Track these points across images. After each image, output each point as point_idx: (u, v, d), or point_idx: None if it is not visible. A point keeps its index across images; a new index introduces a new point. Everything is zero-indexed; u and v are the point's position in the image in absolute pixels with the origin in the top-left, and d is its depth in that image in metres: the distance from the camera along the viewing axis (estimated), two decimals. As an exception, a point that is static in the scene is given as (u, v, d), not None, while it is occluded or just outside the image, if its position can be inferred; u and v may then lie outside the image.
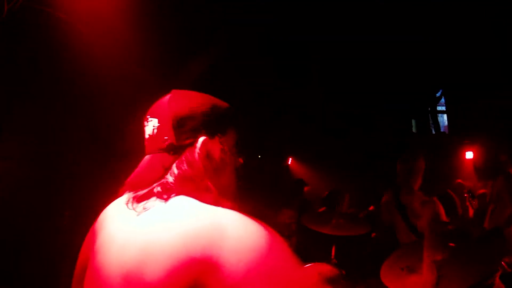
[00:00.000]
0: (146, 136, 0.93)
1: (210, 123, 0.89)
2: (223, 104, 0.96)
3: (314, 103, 7.10)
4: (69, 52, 2.88)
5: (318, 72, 6.40)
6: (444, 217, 2.83)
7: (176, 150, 0.86)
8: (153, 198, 0.84)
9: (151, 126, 0.90)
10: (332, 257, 3.06)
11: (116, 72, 3.26)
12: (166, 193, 0.82)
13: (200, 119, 0.88)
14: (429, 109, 9.05)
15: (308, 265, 2.76)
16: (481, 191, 3.73)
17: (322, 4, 4.54)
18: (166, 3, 3.35)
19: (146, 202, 0.84)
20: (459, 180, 5.08)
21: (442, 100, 9.12)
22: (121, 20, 2.93)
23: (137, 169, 0.91)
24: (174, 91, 0.95)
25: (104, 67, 3.11)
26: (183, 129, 0.86)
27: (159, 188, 0.84)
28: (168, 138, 0.86)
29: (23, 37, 2.63)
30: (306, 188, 5.40)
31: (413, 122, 9.24)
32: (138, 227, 0.80)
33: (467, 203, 3.59)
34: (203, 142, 0.87)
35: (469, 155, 6.99)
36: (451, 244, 1.75)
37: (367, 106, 7.41)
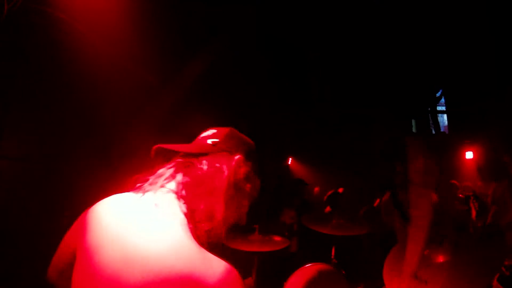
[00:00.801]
0: (201, 136, 1.09)
1: (249, 153, 1.07)
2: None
3: (314, 103, 7.10)
4: (69, 52, 2.88)
5: (318, 72, 6.39)
6: (439, 208, 2.89)
7: (218, 148, 1.01)
8: (169, 194, 0.91)
9: (208, 131, 1.09)
10: (332, 257, 3.06)
11: (116, 72, 3.26)
12: (181, 194, 0.91)
13: (244, 146, 1.08)
14: (429, 109, 9.05)
15: (308, 265, 2.77)
16: (489, 192, 3.77)
17: (322, 3, 4.54)
18: (166, 3, 3.35)
19: (160, 192, 0.91)
20: (453, 181, 5.10)
21: (442, 100, 9.13)
22: (121, 20, 2.93)
23: (176, 144, 1.02)
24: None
25: (104, 67, 3.11)
26: (231, 141, 1.05)
27: (179, 177, 0.94)
28: (217, 138, 1.04)
29: (23, 37, 2.63)
30: (316, 189, 5.41)
31: (413, 122, 9.24)
32: (132, 234, 0.84)
33: (470, 204, 3.61)
34: (240, 157, 1.03)
35: (469, 155, 7.00)
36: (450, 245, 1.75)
37: (367, 106, 7.41)
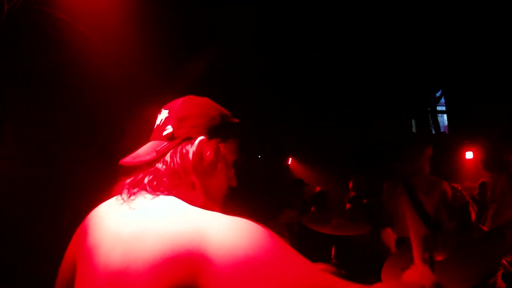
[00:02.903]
0: (155, 126, 0.98)
1: (212, 127, 0.94)
2: (232, 117, 1.01)
3: (314, 103, 7.10)
4: (69, 52, 2.88)
5: (318, 72, 6.39)
6: (450, 197, 2.96)
7: (174, 140, 0.91)
8: (143, 192, 0.86)
9: (161, 116, 0.97)
10: (332, 257, 3.06)
11: (116, 73, 3.26)
12: (155, 188, 0.86)
13: (204, 121, 0.94)
14: (429, 109, 9.05)
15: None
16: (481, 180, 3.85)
17: (322, 3, 4.54)
18: (166, 3, 3.35)
19: (136, 196, 0.86)
20: (453, 184, 5.09)
21: (442, 100, 9.13)
22: (121, 20, 2.93)
23: (135, 151, 0.94)
24: (190, 95, 1.01)
25: (104, 67, 3.11)
26: (185, 123, 0.92)
27: (150, 177, 0.87)
28: (170, 127, 0.92)
29: (23, 37, 2.63)
30: (306, 188, 5.41)
31: (413, 122, 9.24)
32: (126, 224, 0.81)
33: (470, 209, 3.62)
34: (200, 141, 0.91)
35: (469, 155, 6.99)
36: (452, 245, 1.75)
37: (367, 106, 7.41)
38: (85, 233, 0.90)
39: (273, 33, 4.95)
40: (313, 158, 8.18)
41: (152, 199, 0.84)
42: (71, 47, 2.87)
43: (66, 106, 3.10)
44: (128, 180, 0.91)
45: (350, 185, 5.01)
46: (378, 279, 1.85)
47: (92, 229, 0.89)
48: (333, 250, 3.09)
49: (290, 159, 8.74)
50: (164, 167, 0.88)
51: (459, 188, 4.88)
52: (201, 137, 0.91)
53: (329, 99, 7.15)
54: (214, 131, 0.94)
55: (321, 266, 2.73)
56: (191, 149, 0.90)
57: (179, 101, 0.97)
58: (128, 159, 0.91)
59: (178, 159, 0.88)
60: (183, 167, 0.88)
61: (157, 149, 0.90)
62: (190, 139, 0.91)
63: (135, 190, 0.87)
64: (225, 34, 4.27)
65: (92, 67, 3.00)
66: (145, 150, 0.93)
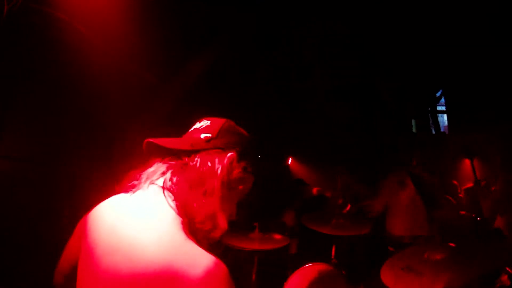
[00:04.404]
0: (192, 129, 1.04)
1: (244, 152, 1.01)
2: (258, 159, 1.09)
3: (315, 103, 7.10)
4: (69, 52, 2.87)
5: (318, 72, 6.39)
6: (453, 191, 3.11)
7: (211, 143, 0.96)
8: (154, 188, 0.90)
9: (202, 123, 1.03)
10: (332, 257, 3.06)
11: (116, 73, 3.26)
12: (174, 185, 0.89)
13: (240, 143, 1.01)
14: (429, 109, 9.05)
15: (308, 265, 2.77)
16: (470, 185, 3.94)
17: (321, 2, 4.54)
18: (166, 3, 3.35)
19: (145, 192, 0.90)
20: (454, 181, 5.11)
21: (442, 100, 9.13)
22: (121, 20, 2.93)
23: (169, 138, 0.98)
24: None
25: (104, 68, 3.11)
26: (225, 136, 0.99)
27: (169, 175, 0.91)
28: (211, 133, 0.99)
29: (23, 37, 2.62)
30: (315, 190, 5.43)
31: (413, 122, 9.23)
32: (125, 230, 0.84)
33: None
34: (232, 155, 0.97)
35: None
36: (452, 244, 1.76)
37: (367, 106, 7.41)
38: (88, 228, 0.92)
39: (274, 33, 4.95)
40: (313, 158, 8.18)
41: (156, 211, 0.86)
42: (71, 47, 2.86)
43: (66, 106, 3.09)
44: (150, 170, 0.95)
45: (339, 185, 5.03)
46: (378, 279, 1.85)
47: (95, 225, 0.91)
48: (333, 250, 3.09)
49: (290, 159, 8.73)
50: (193, 164, 0.92)
51: (456, 183, 4.92)
52: (233, 153, 0.97)
53: (329, 99, 7.14)
54: (245, 156, 1.00)
55: (321, 265, 2.73)
56: (223, 159, 0.95)
57: (223, 119, 1.04)
58: (159, 141, 0.94)
59: (209, 163, 0.93)
60: (211, 172, 0.92)
61: (193, 143, 0.95)
62: (224, 151, 0.96)
63: (150, 180, 0.92)
64: (225, 34, 4.26)
65: (92, 67, 3.00)
66: (177, 140, 0.98)
